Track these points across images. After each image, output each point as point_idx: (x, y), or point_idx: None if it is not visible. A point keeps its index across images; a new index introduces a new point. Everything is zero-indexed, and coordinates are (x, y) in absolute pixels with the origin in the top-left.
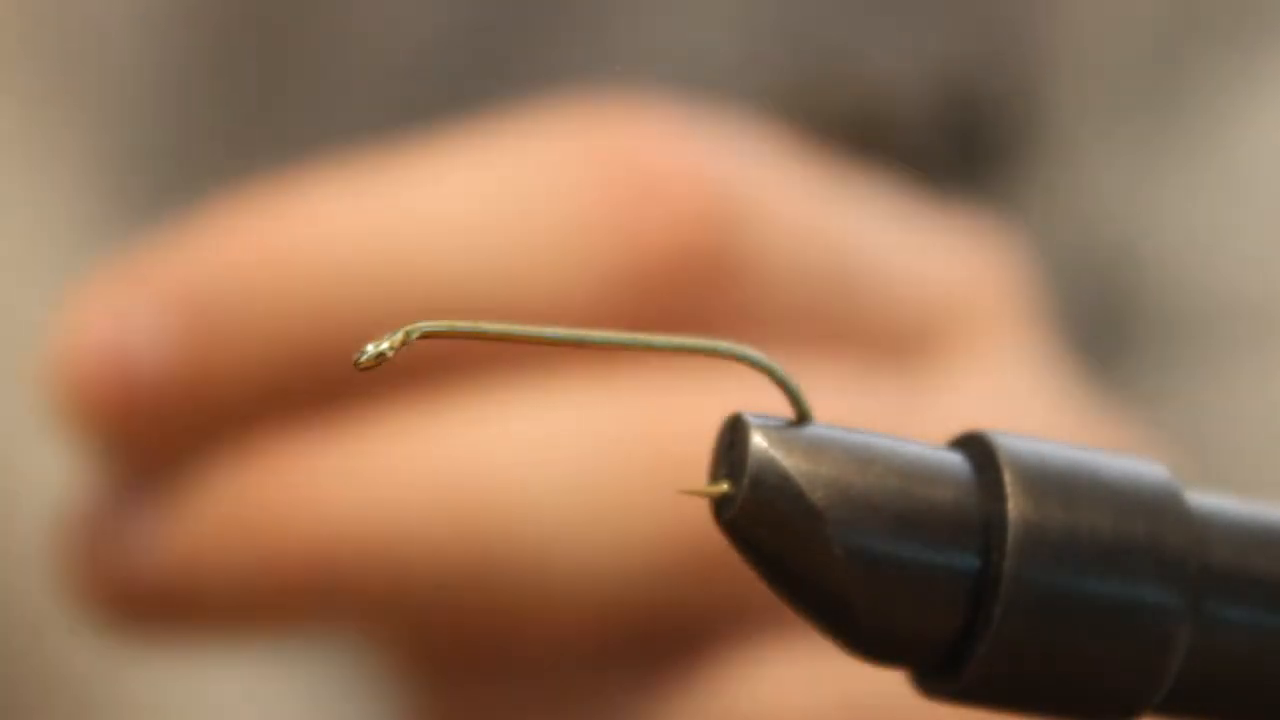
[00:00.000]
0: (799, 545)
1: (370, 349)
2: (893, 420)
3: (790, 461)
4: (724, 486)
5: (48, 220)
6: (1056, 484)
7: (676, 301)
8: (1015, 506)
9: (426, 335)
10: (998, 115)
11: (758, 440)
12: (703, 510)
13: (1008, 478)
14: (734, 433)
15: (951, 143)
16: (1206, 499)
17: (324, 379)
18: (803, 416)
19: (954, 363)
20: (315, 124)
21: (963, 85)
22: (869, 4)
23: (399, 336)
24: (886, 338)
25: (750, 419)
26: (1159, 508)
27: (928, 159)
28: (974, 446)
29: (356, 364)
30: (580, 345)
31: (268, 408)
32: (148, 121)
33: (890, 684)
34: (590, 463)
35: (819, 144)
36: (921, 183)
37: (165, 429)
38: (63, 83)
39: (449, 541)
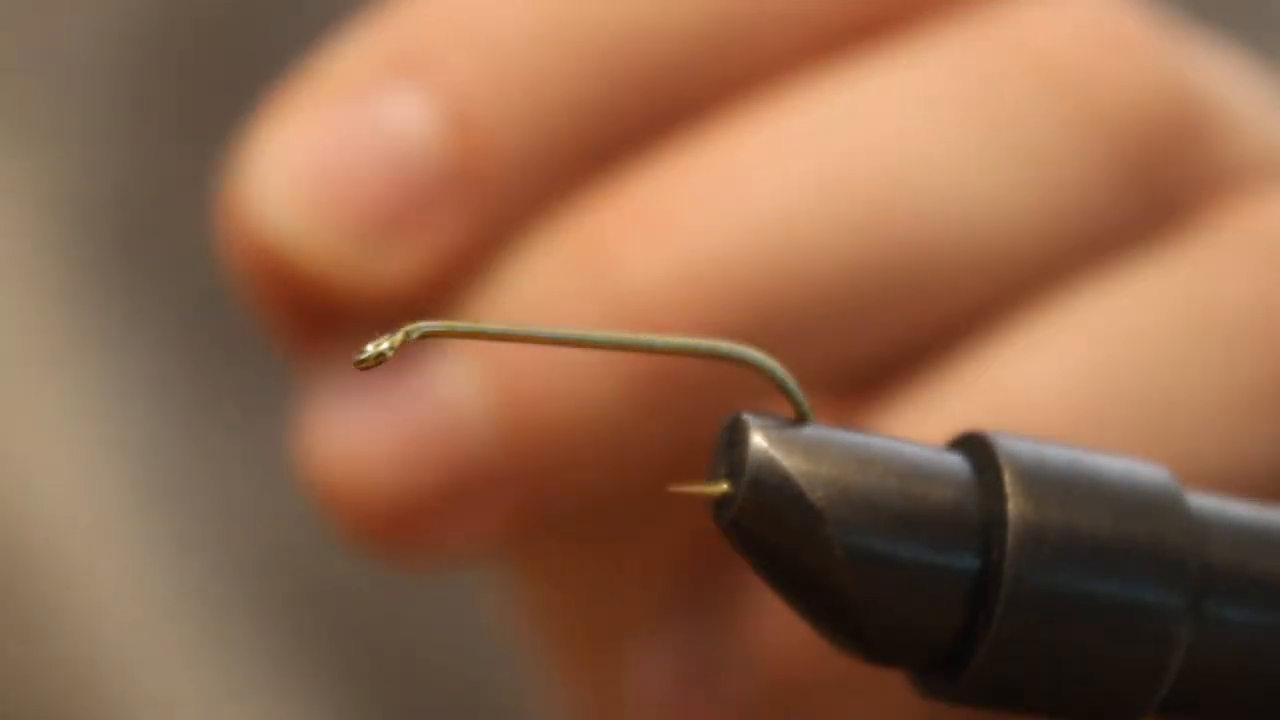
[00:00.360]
0: (799, 545)
1: (370, 349)
2: None
3: (790, 461)
4: (723, 486)
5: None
6: (1056, 484)
7: (1165, 162)
8: (1015, 507)
9: (426, 335)
10: None
11: (757, 440)
12: None
13: (1007, 478)
14: (733, 432)
15: None
16: (1206, 499)
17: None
18: (802, 416)
19: None
20: None
21: None
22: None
23: (399, 336)
24: None
25: (750, 419)
26: (1159, 508)
27: None
28: (973, 446)
29: (356, 365)
30: (578, 345)
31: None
32: (107, 162)
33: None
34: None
35: None
36: None
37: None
38: (17, 125)
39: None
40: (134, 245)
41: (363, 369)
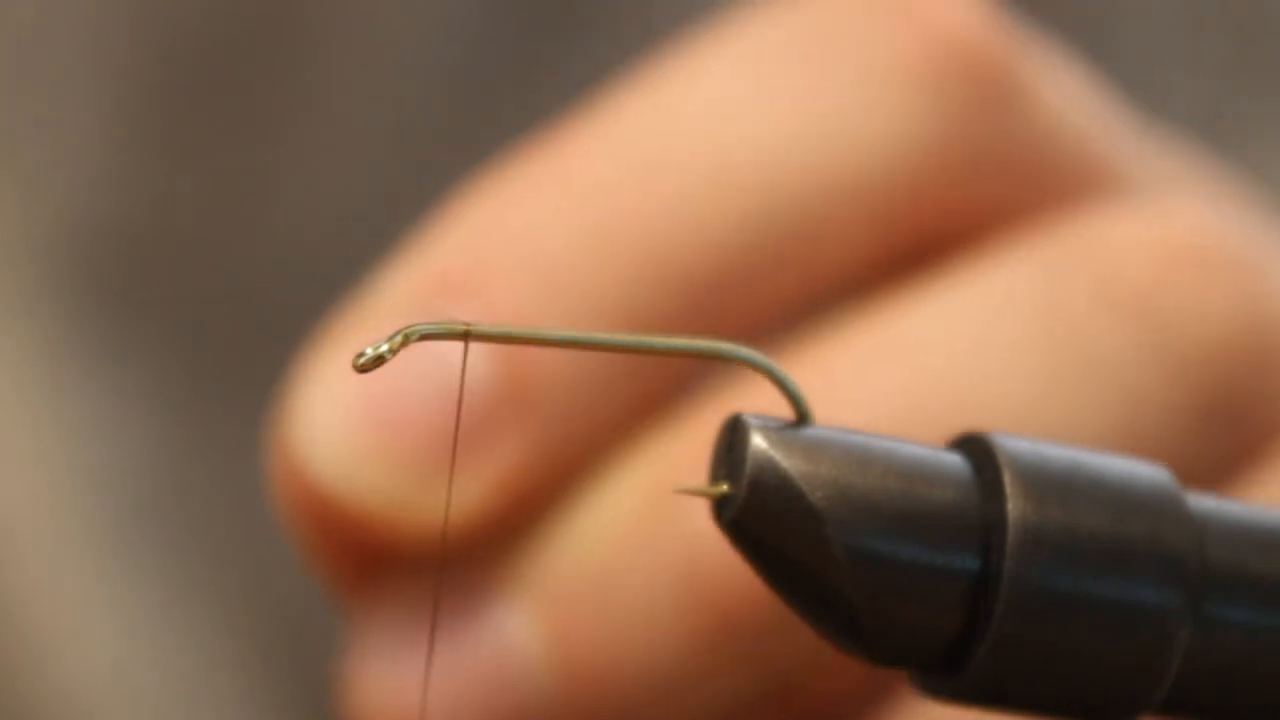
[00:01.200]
0: (799, 546)
1: (369, 351)
2: None
3: (790, 462)
4: (724, 487)
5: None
6: (1056, 484)
7: (1244, 391)
8: (1015, 507)
9: (425, 337)
10: None
11: (757, 441)
12: None
13: (1007, 478)
14: (733, 433)
15: None
16: (1206, 500)
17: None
18: (802, 417)
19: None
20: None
21: None
22: None
23: (398, 339)
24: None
25: (750, 420)
26: (1158, 508)
27: None
28: (973, 447)
29: (355, 367)
30: (574, 347)
31: None
32: (103, 196)
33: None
34: None
35: None
36: None
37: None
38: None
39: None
40: (123, 276)
41: (361, 371)
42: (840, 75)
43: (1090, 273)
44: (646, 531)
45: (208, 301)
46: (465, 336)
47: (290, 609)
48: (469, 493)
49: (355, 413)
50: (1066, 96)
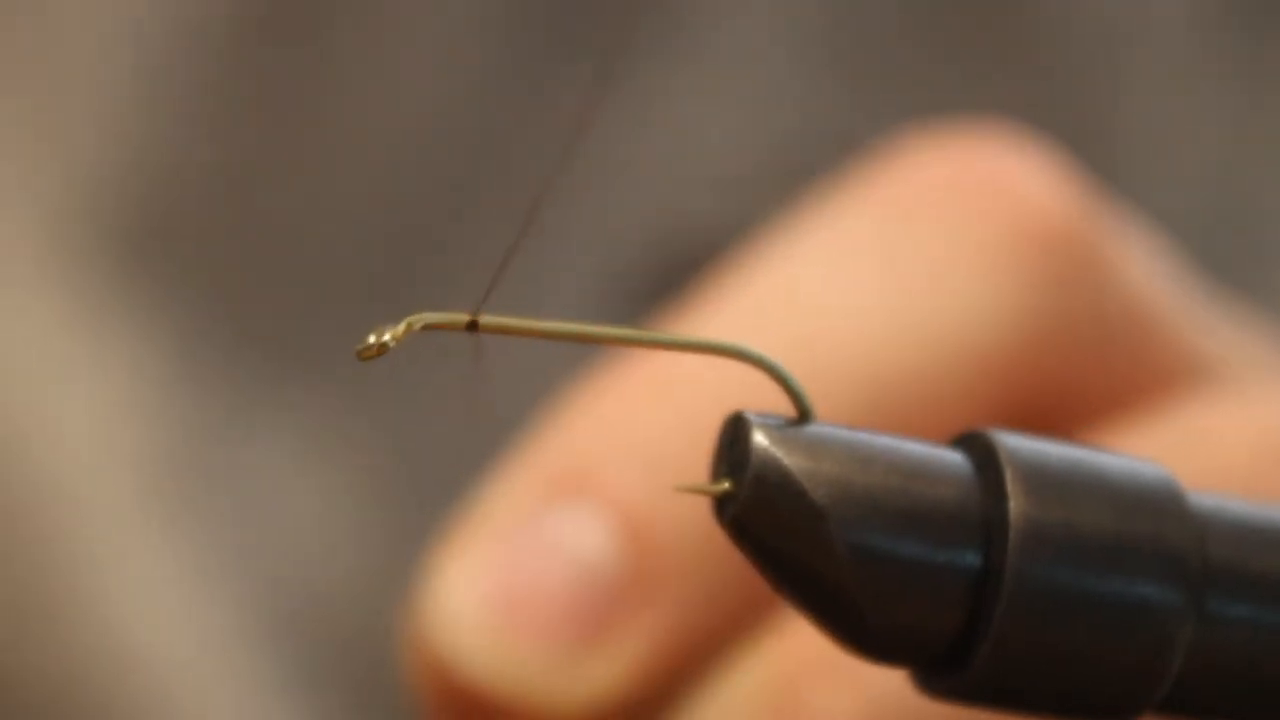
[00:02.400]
0: (801, 543)
1: (371, 339)
2: None
3: (792, 460)
4: (726, 485)
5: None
6: (1057, 482)
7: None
8: (1016, 505)
9: (428, 326)
10: None
11: (759, 439)
12: None
13: (1009, 476)
14: (736, 431)
15: None
16: (1207, 498)
17: None
18: (804, 415)
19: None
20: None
21: None
22: (911, 105)
23: (401, 328)
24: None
25: (752, 417)
26: (1160, 506)
27: None
28: (975, 445)
29: (358, 354)
30: (581, 340)
31: None
32: (131, 159)
33: None
34: None
35: None
36: None
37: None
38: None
39: None
40: (153, 244)
41: (364, 358)
42: (935, 253)
43: (1188, 466)
44: None
45: (239, 271)
46: (470, 327)
47: (314, 580)
48: (604, 674)
49: (490, 597)
50: (1151, 273)
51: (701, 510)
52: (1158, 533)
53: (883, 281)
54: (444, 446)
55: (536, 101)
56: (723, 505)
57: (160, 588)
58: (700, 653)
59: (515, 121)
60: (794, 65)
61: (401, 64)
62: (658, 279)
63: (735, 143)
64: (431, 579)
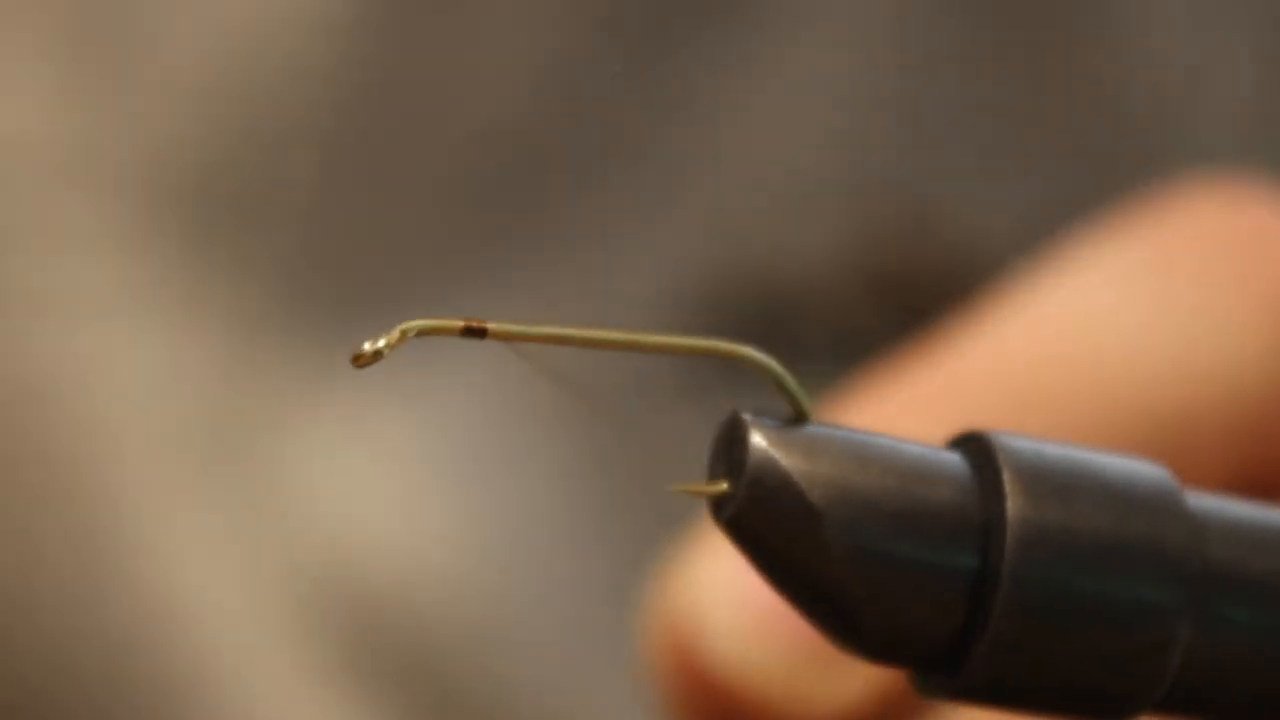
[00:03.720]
0: (798, 544)
1: (366, 346)
2: None
3: (789, 461)
4: (723, 485)
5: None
6: (1055, 483)
7: None
8: (1014, 506)
9: (422, 333)
10: None
11: (756, 439)
12: None
13: (1006, 477)
14: (733, 431)
15: None
16: (1206, 498)
17: None
18: (802, 416)
19: None
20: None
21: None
22: (980, 158)
23: (395, 334)
24: None
25: (749, 418)
26: (1158, 507)
27: None
28: (973, 446)
29: (353, 362)
30: (579, 343)
31: None
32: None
33: None
34: None
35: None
36: None
37: None
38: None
39: None
40: (219, 215)
41: (359, 366)
42: (1209, 301)
43: None
44: None
45: (303, 250)
46: (463, 332)
47: (359, 551)
48: (850, 690)
49: (746, 600)
50: None
51: None
52: (1156, 533)
53: (1160, 322)
54: (491, 426)
55: (604, 111)
56: (720, 506)
57: (207, 549)
58: None
59: (580, 129)
60: (868, 100)
61: (484, 59)
62: (713, 299)
63: (801, 170)
64: (684, 573)
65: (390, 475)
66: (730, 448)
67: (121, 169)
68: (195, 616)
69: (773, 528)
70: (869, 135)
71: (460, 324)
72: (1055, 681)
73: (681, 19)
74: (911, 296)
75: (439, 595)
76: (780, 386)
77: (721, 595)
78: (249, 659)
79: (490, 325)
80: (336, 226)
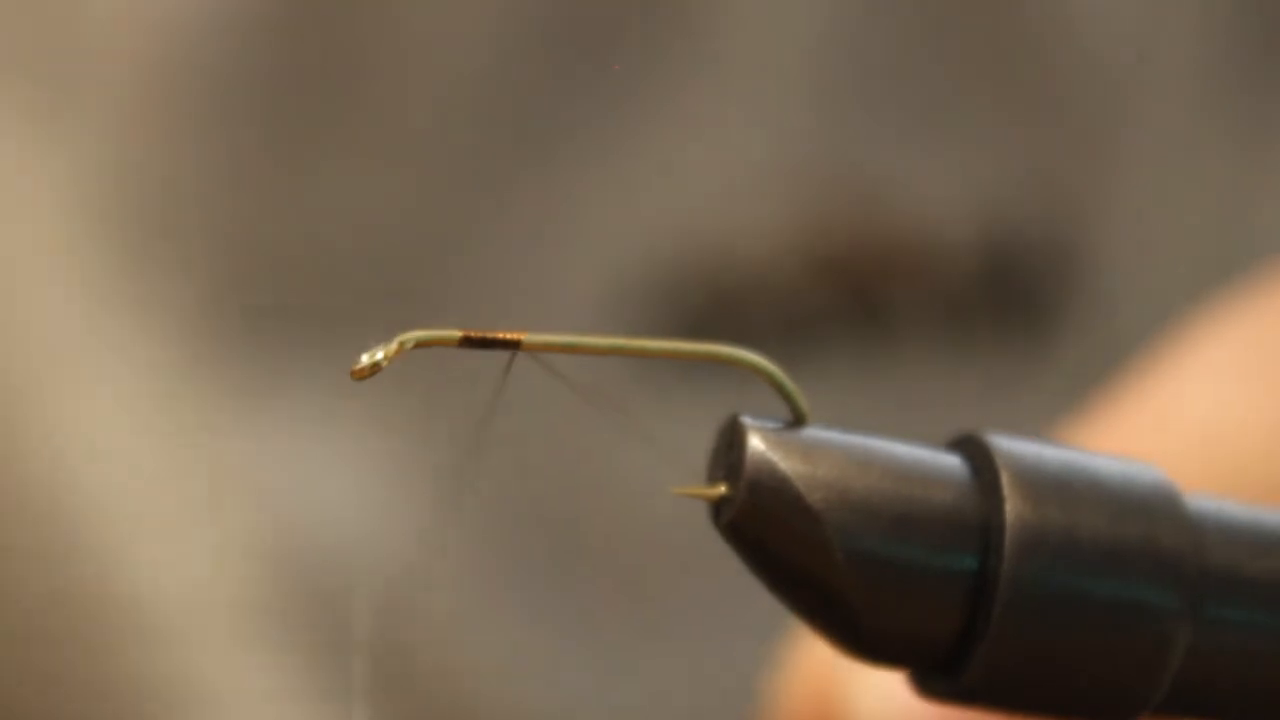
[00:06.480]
0: (797, 547)
1: (364, 359)
2: None
3: (788, 464)
4: (722, 489)
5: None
6: (1054, 485)
7: None
8: (1013, 508)
9: (420, 344)
10: (1040, 265)
11: (755, 442)
12: None
13: (1005, 479)
14: (731, 435)
15: (987, 288)
16: (1204, 501)
17: None
18: (800, 419)
19: None
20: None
21: (1008, 230)
22: (921, 133)
23: (393, 346)
24: None
25: (748, 421)
26: (1156, 509)
27: (958, 302)
28: (971, 448)
29: (352, 375)
30: (574, 351)
31: None
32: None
33: None
34: None
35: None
36: (948, 326)
37: None
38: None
39: None
40: (168, 226)
41: (357, 378)
42: None
43: None
44: None
45: (257, 254)
46: (461, 342)
47: (328, 537)
48: None
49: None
50: None
51: None
52: (1155, 535)
53: (1268, 400)
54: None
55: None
56: (719, 509)
57: (172, 531)
58: None
59: (519, 135)
60: (807, 86)
61: (415, 65)
62: (662, 289)
63: (743, 159)
64: (848, 673)
65: (350, 470)
66: (729, 451)
67: (66, 189)
68: (160, 604)
69: (772, 531)
70: (810, 118)
71: (459, 335)
72: (1055, 683)
73: (623, 14)
74: (859, 279)
75: (398, 584)
76: (779, 389)
77: (887, 687)
78: (210, 651)
79: (477, 335)
80: (288, 231)
